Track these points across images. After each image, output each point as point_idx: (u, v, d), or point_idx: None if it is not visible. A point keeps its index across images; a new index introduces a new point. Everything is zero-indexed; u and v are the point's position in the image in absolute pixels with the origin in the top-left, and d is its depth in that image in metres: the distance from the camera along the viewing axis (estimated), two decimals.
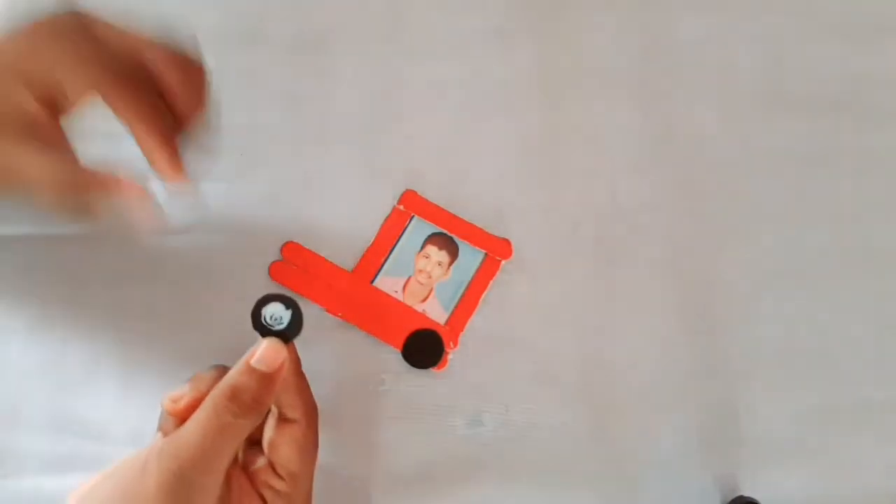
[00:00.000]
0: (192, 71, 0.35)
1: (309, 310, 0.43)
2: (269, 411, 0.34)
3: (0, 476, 0.40)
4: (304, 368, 0.38)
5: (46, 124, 0.33)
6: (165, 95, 0.34)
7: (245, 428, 0.32)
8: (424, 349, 0.43)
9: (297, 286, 0.43)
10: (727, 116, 0.48)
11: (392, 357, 0.43)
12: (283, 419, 0.34)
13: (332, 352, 0.42)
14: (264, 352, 0.33)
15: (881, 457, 0.43)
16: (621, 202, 0.46)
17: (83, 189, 0.33)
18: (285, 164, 0.46)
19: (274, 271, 0.43)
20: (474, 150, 0.47)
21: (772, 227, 0.46)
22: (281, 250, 0.44)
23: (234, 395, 0.31)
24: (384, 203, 0.45)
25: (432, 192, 0.45)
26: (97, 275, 0.43)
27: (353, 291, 0.43)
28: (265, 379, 0.32)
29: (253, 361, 0.33)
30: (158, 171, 0.34)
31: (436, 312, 0.43)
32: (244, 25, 0.48)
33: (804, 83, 0.49)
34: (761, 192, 0.47)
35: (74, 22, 0.33)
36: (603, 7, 0.50)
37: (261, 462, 0.34)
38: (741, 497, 0.41)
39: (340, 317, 0.43)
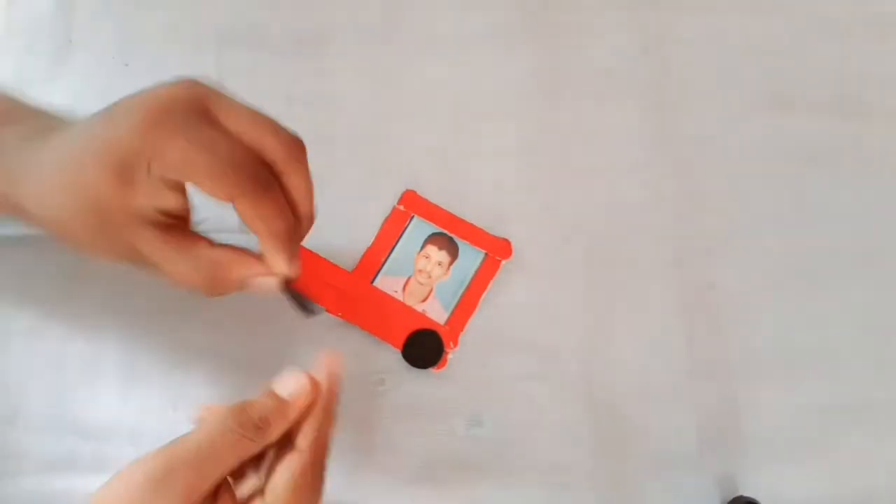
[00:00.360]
0: (305, 166, 0.35)
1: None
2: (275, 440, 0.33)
3: (0, 476, 0.40)
4: (305, 367, 0.38)
5: (184, 219, 0.34)
6: (285, 193, 0.34)
7: (245, 445, 0.31)
8: (424, 349, 0.43)
9: (296, 286, 0.43)
10: (727, 116, 0.48)
11: (392, 357, 0.43)
12: (289, 444, 0.33)
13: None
14: (286, 376, 0.33)
15: (881, 457, 0.43)
16: (621, 202, 0.46)
17: (213, 286, 0.34)
18: None
19: None
20: (474, 150, 0.47)
21: (772, 227, 0.46)
22: None
23: (243, 408, 0.32)
24: (384, 203, 0.45)
25: (432, 193, 0.45)
26: (97, 275, 0.43)
27: (354, 291, 0.43)
28: (279, 404, 0.32)
29: (274, 383, 0.33)
30: (274, 269, 0.34)
31: (436, 312, 0.43)
32: (244, 25, 0.48)
33: (804, 83, 0.49)
34: (761, 192, 0.47)
35: (199, 107, 0.32)
36: (603, 7, 0.50)
37: (250, 484, 0.33)
38: (741, 497, 0.41)
39: (340, 316, 0.43)
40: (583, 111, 0.48)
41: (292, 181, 0.34)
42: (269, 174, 0.33)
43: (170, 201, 0.33)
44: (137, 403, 0.41)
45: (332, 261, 0.44)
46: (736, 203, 0.47)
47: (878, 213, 0.47)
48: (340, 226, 0.44)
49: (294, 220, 0.34)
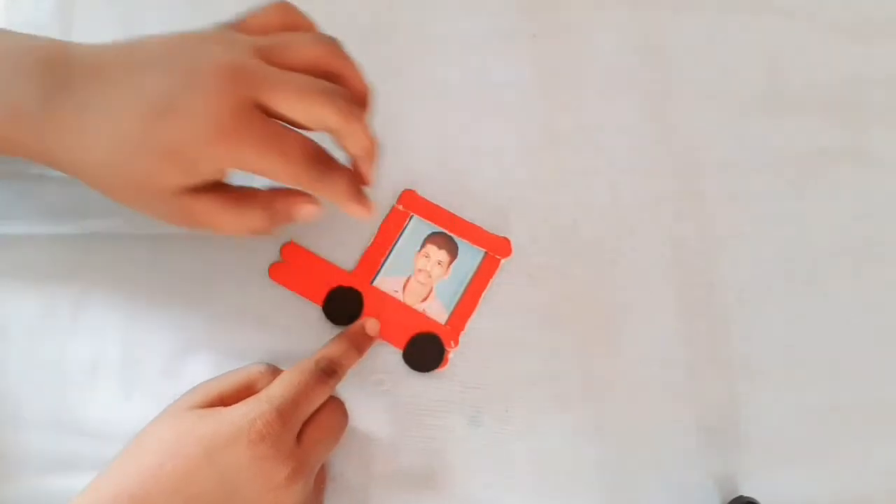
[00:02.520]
0: (363, 125, 0.38)
1: (309, 310, 0.43)
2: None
3: (0, 476, 0.40)
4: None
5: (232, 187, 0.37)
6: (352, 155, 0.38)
7: (327, 387, 0.37)
8: (425, 353, 0.43)
9: (296, 286, 0.43)
10: (727, 116, 0.48)
11: (392, 357, 0.43)
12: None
13: None
14: (373, 321, 0.42)
15: (881, 457, 0.43)
16: (621, 202, 0.46)
17: (261, 230, 0.38)
18: None
19: (274, 272, 0.43)
20: (474, 149, 0.47)
21: (772, 227, 0.46)
22: (280, 251, 0.44)
23: (324, 356, 0.38)
24: (383, 203, 0.45)
25: (432, 192, 0.45)
26: (97, 274, 0.43)
27: None
28: (349, 349, 0.39)
29: (367, 323, 0.42)
30: (355, 216, 0.38)
31: (436, 312, 0.43)
32: None
33: (804, 83, 0.49)
34: (761, 192, 0.47)
35: (257, 104, 0.34)
36: (603, 7, 0.50)
37: None
38: (741, 497, 0.41)
39: None
40: (583, 111, 0.48)
41: (351, 139, 0.36)
42: (329, 155, 0.36)
43: (221, 175, 0.35)
44: (138, 403, 0.41)
45: (331, 261, 0.44)
46: (736, 203, 0.47)
47: (878, 214, 0.47)
48: (340, 226, 0.44)
49: (356, 174, 0.38)
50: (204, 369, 0.42)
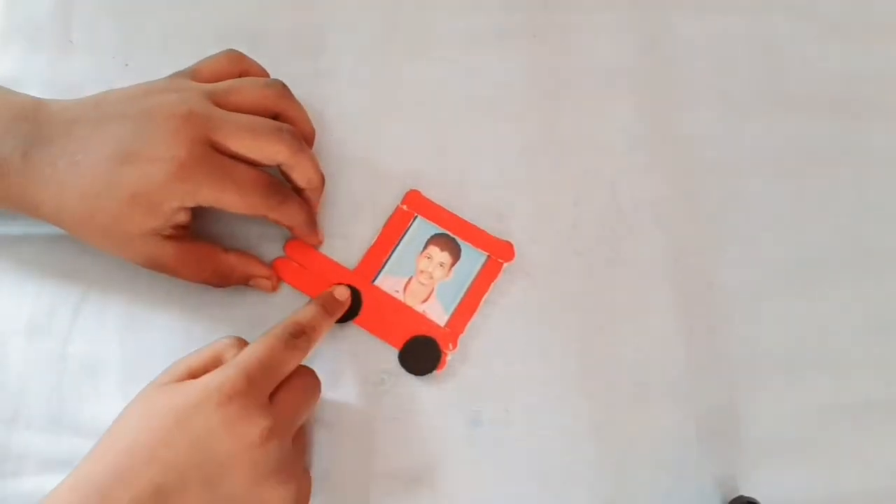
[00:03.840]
0: (309, 155, 0.41)
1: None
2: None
3: (0, 476, 0.40)
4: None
5: (189, 226, 0.39)
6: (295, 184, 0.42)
7: (299, 352, 0.37)
8: (422, 357, 0.42)
9: (299, 284, 0.43)
10: (727, 116, 0.48)
11: (392, 357, 0.43)
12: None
13: (331, 351, 0.42)
14: (341, 287, 0.42)
15: (881, 457, 0.43)
16: (621, 202, 0.46)
17: (223, 284, 0.42)
18: None
19: (277, 268, 0.43)
20: (475, 150, 0.47)
21: (772, 227, 0.47)
22: (284, 248, 0.44)
23: (295, 321, 0.38)
24: (387, 202, 0.45)
25: (435, 193, 0.45)
26: (97, 274, 0.43)
27: None
28: (321, 314, 0.39)
29: (335, 289, 0.42)
30: (308, 243, 0.44)
31: (436, 313, 0.43)
32: (244, 26, 0.48)
33: (804, 83, 0.50)
34: (761, 192, 0.47)
35: (210, 142, 0.37)
36: (602, 7, 0.50)
37: None
38: (741, 497, 0.41)
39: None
40: (583, 111, 0.48)
41: (299, 172, 0.40)
42: (282, 185, 0.40)
43: (183, 218, 0.38)
44: None
45: (333, 259, 0.44)
46: (736, 203, 0.47)
47: (878, 213, 0.47)
48: (342, 224, 0.45)
49: (311, 207, 0.42)
50: None
